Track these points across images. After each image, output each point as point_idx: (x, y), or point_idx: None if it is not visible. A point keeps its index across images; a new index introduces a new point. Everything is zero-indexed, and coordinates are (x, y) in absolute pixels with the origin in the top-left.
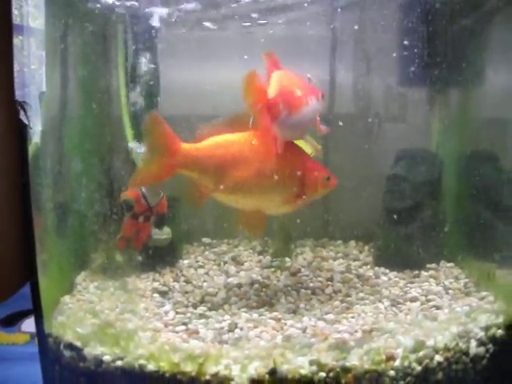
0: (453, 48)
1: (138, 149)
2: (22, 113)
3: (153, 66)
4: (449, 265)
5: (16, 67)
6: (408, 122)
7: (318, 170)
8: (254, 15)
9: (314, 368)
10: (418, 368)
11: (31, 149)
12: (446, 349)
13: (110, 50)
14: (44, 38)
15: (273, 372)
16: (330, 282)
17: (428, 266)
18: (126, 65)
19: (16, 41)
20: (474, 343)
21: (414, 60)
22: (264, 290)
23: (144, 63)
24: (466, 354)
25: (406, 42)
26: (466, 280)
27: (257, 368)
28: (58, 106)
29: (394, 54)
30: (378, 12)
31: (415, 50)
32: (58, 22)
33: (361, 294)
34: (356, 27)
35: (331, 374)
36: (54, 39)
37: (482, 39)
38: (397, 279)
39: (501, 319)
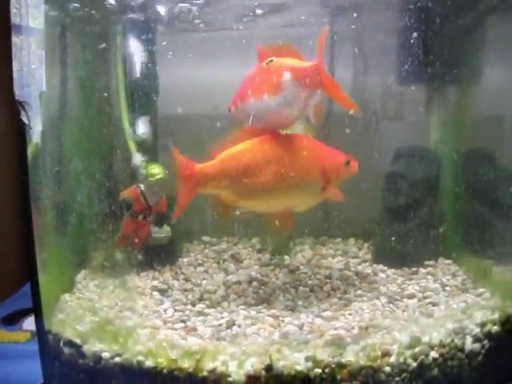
0: (450, 46)
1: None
2: (22, 113)
3: (151, 65)
4: (447, 262)
5: (16, 67)
6: (406, 120)
7: (335, 156)
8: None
9: (310, 364)
10: (414, 364)
11: (31, 148)
12: (442, 345)
13: (109, 49)
14: (43, 37)
15: (269, 368)
16: (328, 280)
17: (426, 263)
18: (124, 65)
19: (16, 40)
20: (469, 339)
21: (412, 58)
22: (263, 287)
23: (142, 62)
24: (462, 350)
25: (403, 41)
26: (464, 277)
27: (253, 364)
28: (58, 106)
29: (392, 53)
30: (375, 11)
31: (413, 49)
32: (58, 21)
33: (359, 291)
34: (353, 26)
35: (327, 370)
36: (54, 39)
37: (478, 37)
38: (395, 276)
39: (496, 315)
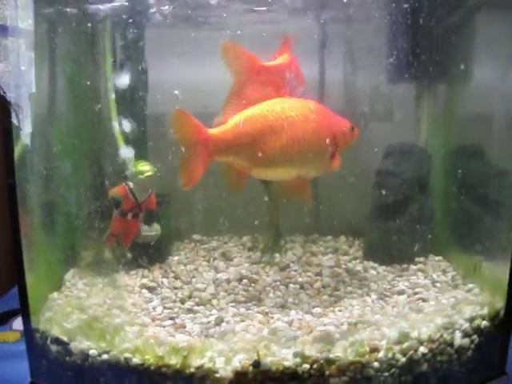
0: (439, 44)
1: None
2: (13, 114)
3: (140, 63)
4: (437, 258)
5: (5, 68)
6: (396, 118)
7: (341, 121)
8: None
9: (298, 360)
10: (403, 359)
11: (20, 149)
12: (431, 340)
13: (98, 48)
14: (33, 38)
15: (256, 364)
16: (318, 277)
17: (416, 259)
18: (113, 63)
19: (5, 42)
20: (458, 334)
21: (402, 57)
22: (253, 285)
23: (131, 61)
24: (451, 345)
25: (393, 40)
26: (454, 273)
27: (241, 360)
28: (47, 107)
29: (382, 51)
30: (364, 10)
31: (403, 47)
32: (46, 22)
33: (349, 288)
34: (343, 25)
35: (315, 366)
36: (42, 39)
37: (467, 35)
38: (385, 273)
39: (486, 310)
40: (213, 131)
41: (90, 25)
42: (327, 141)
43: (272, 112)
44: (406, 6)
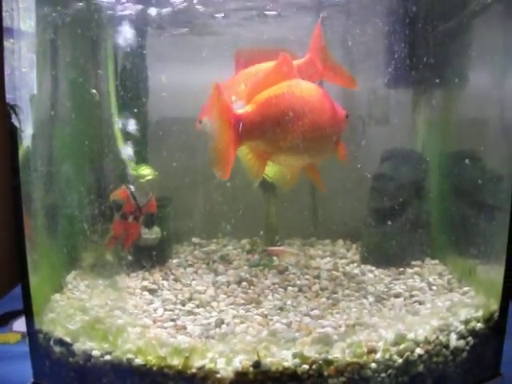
0: (436, 50)
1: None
2: (13, 116)
3: (142, 67)
4: (433, 262)
5: (7, 70)
6: (394, 122)
7: (339, 110)
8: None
9: (297, 361)
10: (399, 360)
11: (22, 151)
12: (427, 342)
13: (100, 52)
14: (34, 40)
15: (257, 364)
16: (316, 280)
17: (413, 263)
18: (115, 67)
19: (7, 44)
20: (454, 336)
21: (399, 62)
22: (252, 287)
23: (133, 65)
24: (446, 346)
25: (391, 45)
26: (450, 276)
27: (242, 361)
28: (48, 109)
29: (380, 57)
30: (362, 15)
31: (400, 53)
32: (48, 24)
33: (347, 291)
34: (341, 30)
35: (314, 367)
36: (44, 42)
37: (464, 41)
38: (382, 276)
39: (480, 313)
40: (242, 111)
41: (92, 26)
42: (336, 127)
43: (293, 95)
44: (403, 11)
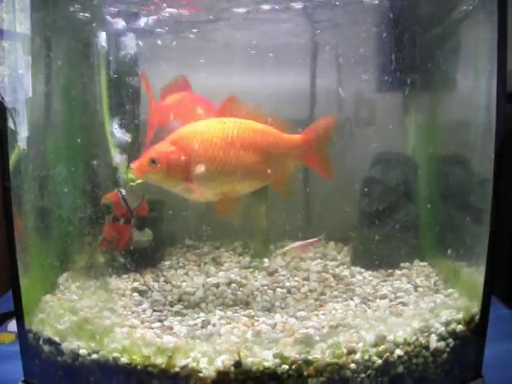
0: (424, 54)
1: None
2: (9, 118)
3: (135, 72)
4: (422, 264)
5: (3, 72)
6: (383, 126)
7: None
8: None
9: (278, 361)
10: (379, 361)
11: (16, 153)
12: (407, 343)
13: (93, 56)
14: (30, 43)
15: (237, 364)
16: (306, 282)
17: (402, 265)
18: (108, 72)
19: (3, 46)
20: (434, 338)
21: (389, 66)
22: (241, 289)
23: (126, 69)
24: (427, 348)
25: (380, 49)
26: (436, 278)
27: (224, 361)
28: (43, 111)
29: (370, 61)
30: (351, 20)
31: (390, 57)
32: (43, 27)
33: (335, 293)
34: (331, 36)
35: (294, 367)
36: (39, 45)
37: (452, 45)
38: (371, 278)
39: (461, 315)
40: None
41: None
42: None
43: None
44: (391, 16)
